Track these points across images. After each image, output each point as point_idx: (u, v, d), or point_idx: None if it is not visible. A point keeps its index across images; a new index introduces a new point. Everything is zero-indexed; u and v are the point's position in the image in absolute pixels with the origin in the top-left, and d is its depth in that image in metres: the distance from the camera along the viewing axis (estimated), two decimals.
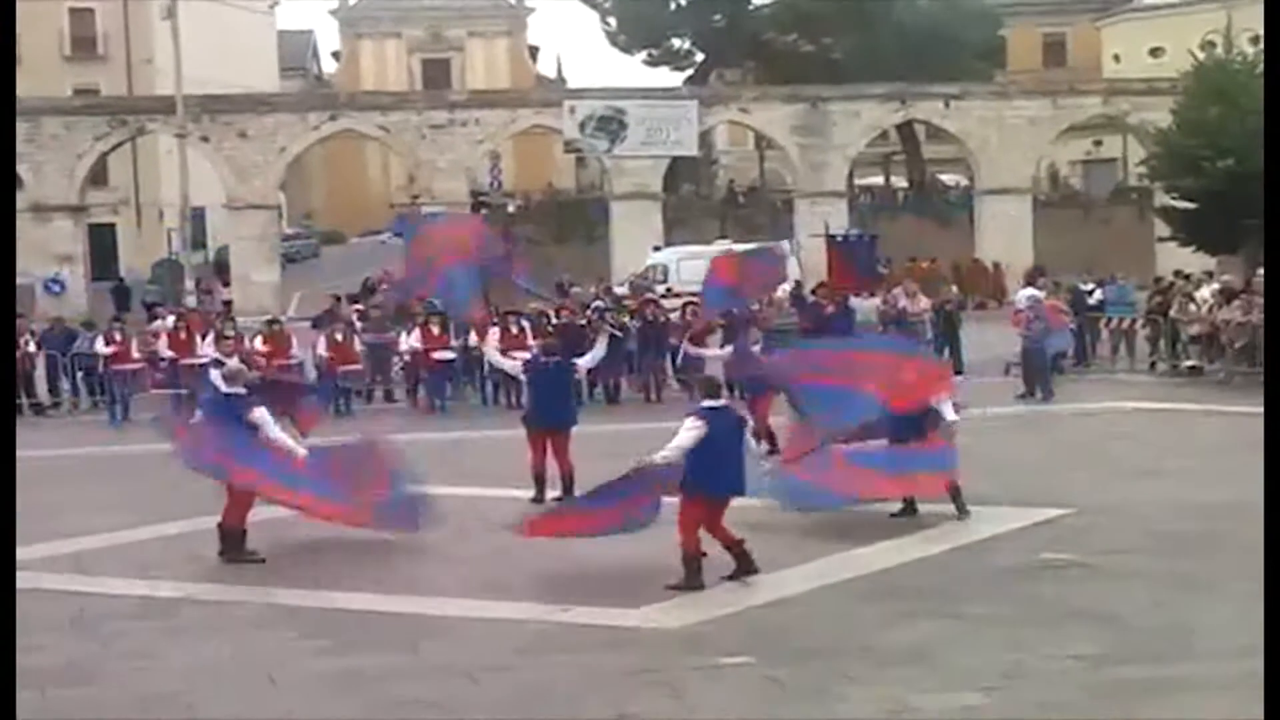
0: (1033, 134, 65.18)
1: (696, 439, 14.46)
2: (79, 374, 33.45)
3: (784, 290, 33.27)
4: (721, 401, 15.25)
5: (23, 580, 15.58)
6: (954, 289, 38.24)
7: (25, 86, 72.14)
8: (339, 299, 38.54)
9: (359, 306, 39.37)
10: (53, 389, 33.75)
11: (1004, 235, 62.73)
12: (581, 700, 11.15)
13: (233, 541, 16.51)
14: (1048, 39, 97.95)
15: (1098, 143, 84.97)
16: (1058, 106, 65.62)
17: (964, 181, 75.79)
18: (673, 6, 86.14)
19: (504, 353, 30.86)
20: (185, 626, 13.87)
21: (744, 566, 14.79)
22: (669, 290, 46.73)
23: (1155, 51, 78.05)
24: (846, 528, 16.66)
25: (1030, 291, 33.98)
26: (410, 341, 32.19)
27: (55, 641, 13.36)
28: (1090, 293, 37.03)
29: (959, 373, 34.18)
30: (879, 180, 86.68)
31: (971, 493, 17.98)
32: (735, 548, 14.78)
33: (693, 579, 14.49)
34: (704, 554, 14.61)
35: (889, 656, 12.13)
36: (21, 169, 60.19)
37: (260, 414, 16.81)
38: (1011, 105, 65.38)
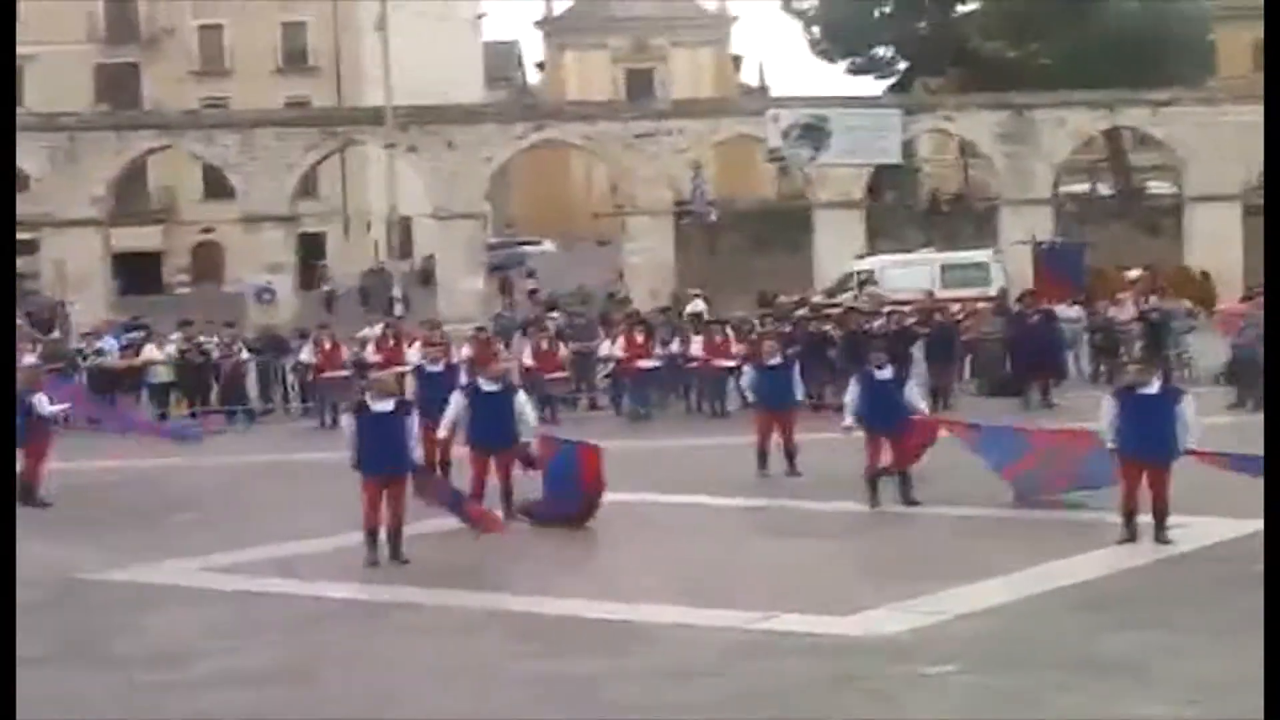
0: (1244, 140, 63.83)
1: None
2: (289, 380, 34.11)
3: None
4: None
5: (236, 583, 16.03)
6: (1155, 299, 37.54)
7: (239, 98, 74.08)
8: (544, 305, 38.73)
9: (554, 314, 39.60)
10: (265, 395, 34.36)
11: (1212, 244, 61.49)
12: (789, 705, 11.19)
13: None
14: (1259, 43, 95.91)
15: None
16: None
17: (1171, 189, 74.54)
18: (876, 15, 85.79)
19: (707, 361, 31.16)
20: (396, 629, 14.09)
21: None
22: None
23: None
24: (1048, 538, 16.49)
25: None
26: (613, 350, 32.36)
27: (268, 642, 13.64)
28: None
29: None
30: (1084, 187, 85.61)
31: (1182, 503, 17.76)
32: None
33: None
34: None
35: (1098, 666, 12.01)
36: (235, 179, 61.37)
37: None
38: (1221, 111, 64.08)
